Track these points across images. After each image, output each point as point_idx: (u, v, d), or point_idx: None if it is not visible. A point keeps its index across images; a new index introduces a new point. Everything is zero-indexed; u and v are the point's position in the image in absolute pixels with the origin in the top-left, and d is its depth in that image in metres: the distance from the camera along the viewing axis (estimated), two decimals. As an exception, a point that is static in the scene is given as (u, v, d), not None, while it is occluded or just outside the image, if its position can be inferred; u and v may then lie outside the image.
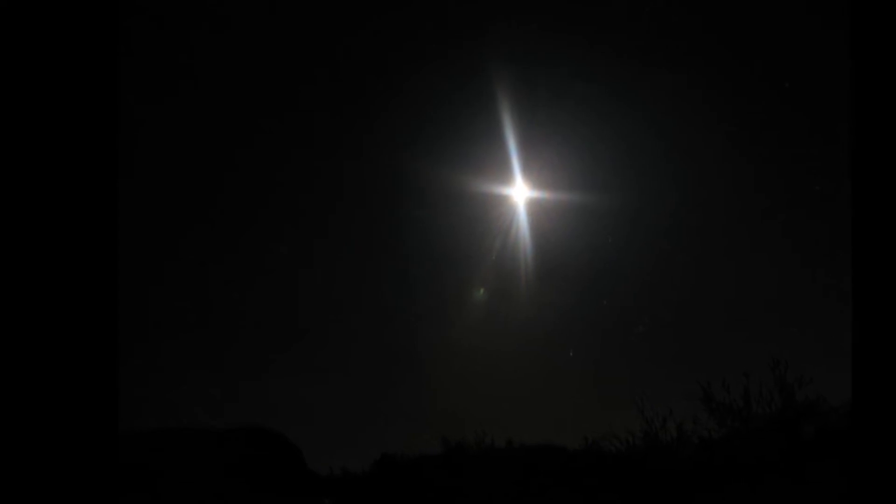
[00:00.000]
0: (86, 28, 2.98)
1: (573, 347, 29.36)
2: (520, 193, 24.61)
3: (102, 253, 3.17)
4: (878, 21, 3.22)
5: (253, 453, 12.85)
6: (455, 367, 29.09)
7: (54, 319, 3.02)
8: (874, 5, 3.25)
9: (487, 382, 28.78)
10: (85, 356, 3.11)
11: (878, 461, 3.35)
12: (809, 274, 21.57)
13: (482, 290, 28.70)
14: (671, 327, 25.81)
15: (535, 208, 25.86)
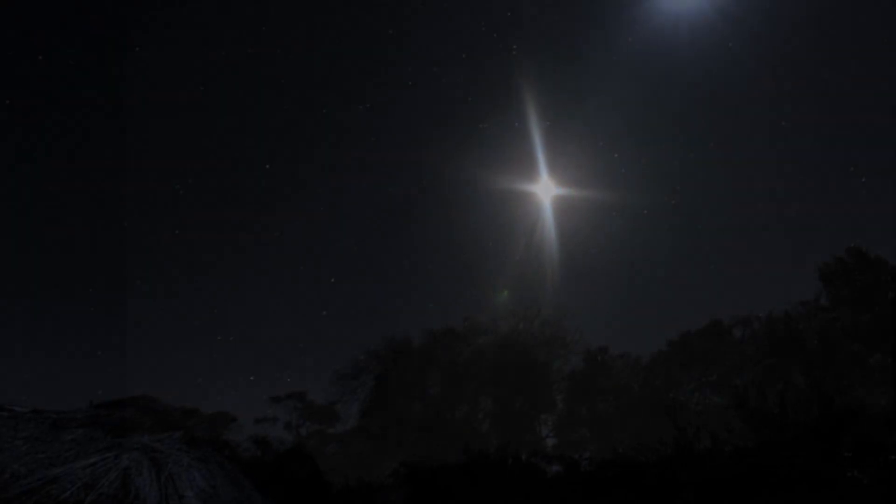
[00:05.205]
0: None
1: (600, 351, 28.67)
2: (545, 190, 23.74)
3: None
4: None
5: (266, 462, 12.57)
6: (475, 373, 28.46)
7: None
8: None
9: (508, 387, 28.18)
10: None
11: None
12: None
13: (505, 292, 28.07)
14: (704, 330, 25.07)
15: (561, 205, 24.92)
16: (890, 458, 10.30)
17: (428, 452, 20.35)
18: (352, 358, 30.29)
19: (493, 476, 11.85)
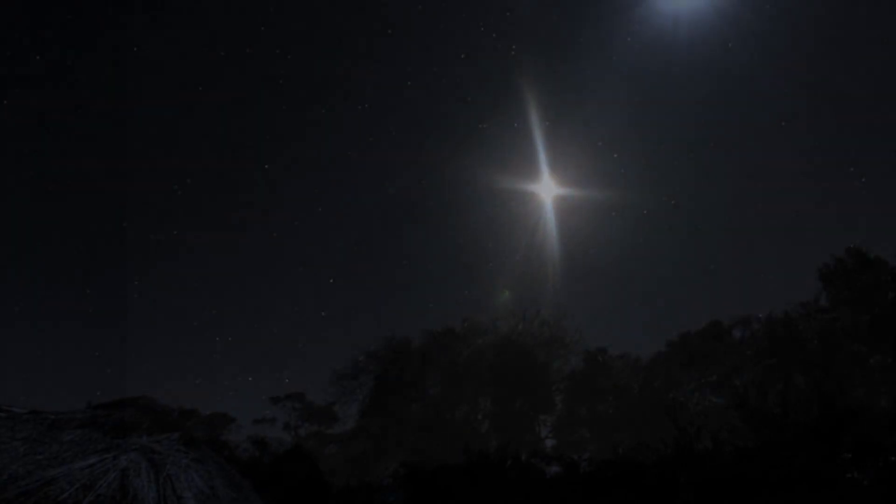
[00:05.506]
0: None
1: (600, 352, 28.58)
2: (546, 190, 23.70)
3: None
4: None
5: (264, 463, 12.53)
6: (475, 373, 28.38)
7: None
8: None
9: (508, 388, 28.11)
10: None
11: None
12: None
13: (505, 292, 28.03)
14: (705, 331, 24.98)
15: (562, 205, 24.92)
16: (890, 458, 10.29)
17: (428, 452, 20.28)
18: (351, 358, 30.22)
19: (492, 476, 11.81)
